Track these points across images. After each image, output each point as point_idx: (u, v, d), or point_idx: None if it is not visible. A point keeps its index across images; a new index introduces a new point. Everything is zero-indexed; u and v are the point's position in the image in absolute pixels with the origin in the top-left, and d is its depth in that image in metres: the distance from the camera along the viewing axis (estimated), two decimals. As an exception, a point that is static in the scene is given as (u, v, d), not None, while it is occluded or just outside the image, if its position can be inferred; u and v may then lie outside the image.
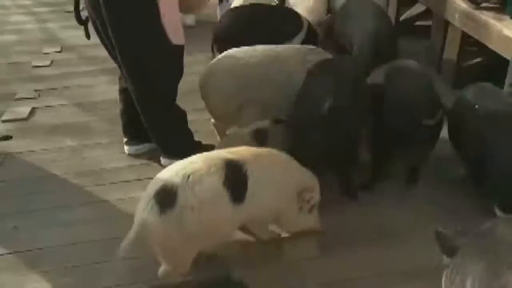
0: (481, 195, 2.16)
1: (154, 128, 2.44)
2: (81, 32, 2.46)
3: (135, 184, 2.42)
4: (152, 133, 2.47)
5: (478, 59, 3.29)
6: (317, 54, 2.58)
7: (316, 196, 1.95)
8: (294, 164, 1.95)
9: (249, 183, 1.76)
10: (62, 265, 1.97)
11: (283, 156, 1.95)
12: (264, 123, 2.27)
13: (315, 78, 2.28)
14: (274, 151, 1.95)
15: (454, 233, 1.29)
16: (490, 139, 2.04)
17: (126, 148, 2.66)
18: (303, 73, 2.36)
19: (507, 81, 2.53)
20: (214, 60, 2.57)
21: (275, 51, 2.55)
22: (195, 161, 1.77)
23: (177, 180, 1.68)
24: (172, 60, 2.28)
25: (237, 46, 2.61)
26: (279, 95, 2.44)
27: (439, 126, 2.20)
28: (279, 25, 2.99)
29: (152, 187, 1.71)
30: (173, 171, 1.73)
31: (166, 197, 1.66)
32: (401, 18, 4.15)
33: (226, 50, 2.62)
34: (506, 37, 2.59)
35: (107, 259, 1.96)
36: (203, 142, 2.56)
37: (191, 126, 2.56)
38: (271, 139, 2.17)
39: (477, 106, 2.16)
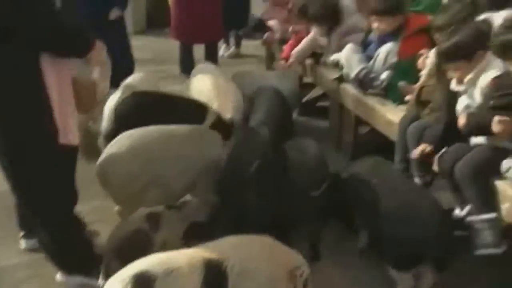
0: (378, 257, 2.30)
1: (44, 242, 2.17)
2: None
3: (33, 280, 2.26)
4: (42, 245, 2.22)
5: (372, 138, 3.60)
6: (210, 133, 2.76)
7: (306, 270, 1.94)
8: (277, 246, 1.96)
9: (230, 280, 1.75)
10: None
11: (266, 242, 1.94)
12: (158, 208, 2.28)
13: (240, 149, 2.45)
14: (256, 238, 1.94)
15: None
16: (381, 207, 2.23)
17: (22, 242, 2.49)
18: (198, 151, 2.54)
19: (395, 158, 2.79)
20: (111, 143, 2.56)
21: (169, 130, 2.65)
22: (178, 257, 1.75)
23: (159, 271, 1.66)
24: (61, 163, 2.04)
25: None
26: (179, 173, 2.52)
27: (326, 198, 2.34)
28: (183, 112, 3.05)
29: (133, 268, 1.68)
30: (156, 261, 1.72)
31: (143, 284, 1.63)
32: (304, 100, 4.48)
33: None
34: (390, 120, 2.89)
35: None
36: (109, 230, 2.46)
37: (95, 215, 2.48)
38: (165, 224, 2.18)
39: (372, 180, 2.36)
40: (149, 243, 2.11)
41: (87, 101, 2.14)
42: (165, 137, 2.59)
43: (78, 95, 2.10)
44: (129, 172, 2.44)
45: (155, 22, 7.31)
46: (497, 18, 2.37)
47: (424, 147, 2.40)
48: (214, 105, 3.21)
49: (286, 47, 4.14)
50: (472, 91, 2.24)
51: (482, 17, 2.43)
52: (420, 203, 2.17)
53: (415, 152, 2.46)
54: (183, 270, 1.69)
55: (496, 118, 2.01)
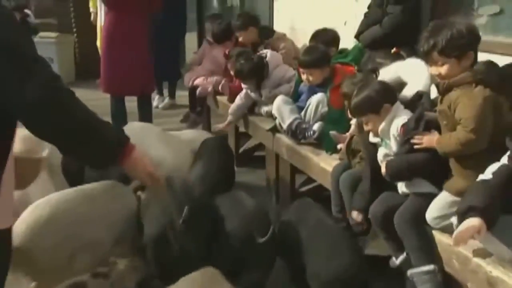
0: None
1: None
2: None
3: None
4: None
5: (310, 185, 3.62)
6: (124, 187, 2.72)
7: None
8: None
9: None
10: None
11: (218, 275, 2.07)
12: (83, 277, 2.16)
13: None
14: (210, 270, 2.07)
15: None
16: (306, 250, 2.34)
17: None
18: (119, 204, 2.57)
19: (332, 208, 2.80)
20: (24, 214, 2.30)
21: (86, 189, 2.58)
22: None
23: None
24: None
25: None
26: (107, 232, 2.44)
27: (269, 246, 2.32)
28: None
29: None
30: None
31: None
32: (240, 150, 4.46)
33: None
34: (323, 169, 2.92)
35: None
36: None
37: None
38: None
39: (297, 224, 2.46)
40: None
41: (30, 177, 2.01)
42: (84, 197, 2.48)
43: (22, 173, 1.84)
44: (53, 242, 2.25)
45: (84, 74, 7.15)
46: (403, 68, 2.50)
47: (356, 216, 2.44)
48: (166, 162, 3.12)
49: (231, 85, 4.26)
50: (387, 141, 2.33)
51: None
52: (341, 242, 2.30)
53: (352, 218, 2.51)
54: None
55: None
